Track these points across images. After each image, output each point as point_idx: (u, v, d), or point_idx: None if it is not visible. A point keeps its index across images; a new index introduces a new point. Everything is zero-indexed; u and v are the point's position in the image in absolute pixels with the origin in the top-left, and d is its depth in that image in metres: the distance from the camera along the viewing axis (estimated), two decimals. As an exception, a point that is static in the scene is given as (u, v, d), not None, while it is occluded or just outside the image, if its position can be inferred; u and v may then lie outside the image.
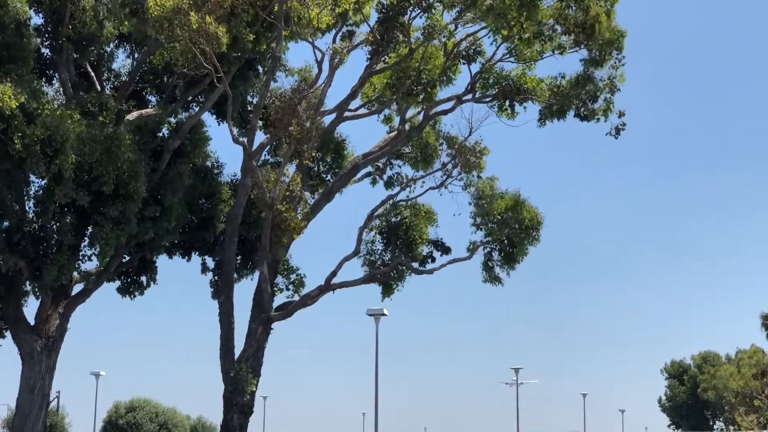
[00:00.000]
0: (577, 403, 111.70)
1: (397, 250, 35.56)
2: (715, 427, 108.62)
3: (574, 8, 32.10)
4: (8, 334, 32.41)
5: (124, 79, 34.51)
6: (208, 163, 36.34)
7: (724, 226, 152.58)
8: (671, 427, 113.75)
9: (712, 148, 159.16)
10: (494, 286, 35.73)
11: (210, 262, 37.31)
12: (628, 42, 32.80)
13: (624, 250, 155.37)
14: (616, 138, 33.77)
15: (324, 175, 37.61)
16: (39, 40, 30.82)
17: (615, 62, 33.29)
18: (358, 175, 36.43)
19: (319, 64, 32.18)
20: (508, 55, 33.62)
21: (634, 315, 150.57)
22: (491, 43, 33.44)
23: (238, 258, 36.07)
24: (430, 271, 35.72)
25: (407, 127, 35.46)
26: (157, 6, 27.71)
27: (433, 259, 36.28)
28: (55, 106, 28.47)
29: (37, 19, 30.75)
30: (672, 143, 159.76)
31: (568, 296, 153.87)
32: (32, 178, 30.55)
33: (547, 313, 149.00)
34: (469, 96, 34.55)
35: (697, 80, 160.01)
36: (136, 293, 35.83)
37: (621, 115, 33.79)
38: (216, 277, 36.65)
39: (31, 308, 32.59)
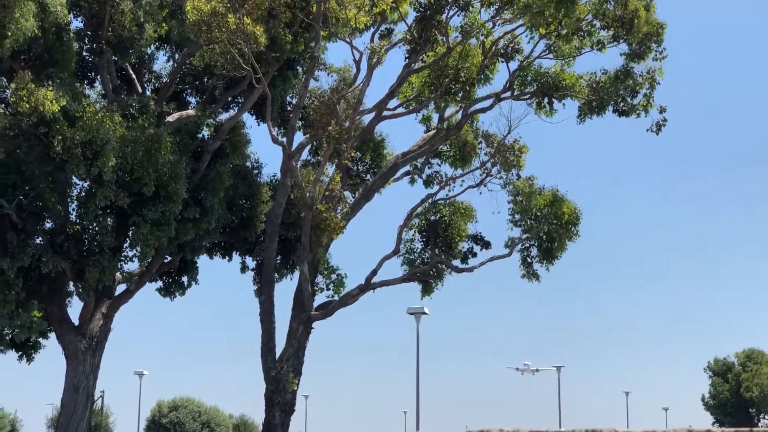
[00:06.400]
0: (620, 400, 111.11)
1: (437, 248, 35.51)
2: (760, 424, 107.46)
3: (612, 3, 31.91)
4: (53, 334, 32.78)
5: (164, 80, 34.77)
6: (248, 164, 36.53)
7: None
8: (715, 425, 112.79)
9: (753, 145, 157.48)
10: (533, 283, 35.57)
11: (250, 262, 37.53)
12: (671, 41, 32.46)
13: (667, 246, 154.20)
14: (657, 134, 33.53)
15: (363, 175, 37.65)
16: (79, 44, 31.13)
17: (656, 55, 33.05)
18: (397, 174, 36.42)
19: (357, 63, 32.23)
20: (546, 52, 33.47)
21: (677, 312, 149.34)
22: (529, 41, 33.36)
23: (279, 258, 36.22)
24: (470, 269, 35.60)
25: (446, 125, 35.42)
26: (195, 10, 27.90)
27: (474, 255, 36.13)
28: (97, 108, 28.76)
29: (77, 23, 31.09)
30: (713, 140, 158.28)
31: (610, 293, 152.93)
32: (74, 180, 30.88)
33: (588, 311, 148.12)
34: (508, 94, 34.42)
35: (741, 77, 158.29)
36: (178, 293, 36.13)
37: (662, 110, 33.47)
38: (257, 277, 36.82)
39: (75, 309, 33.01)
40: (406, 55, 33.24)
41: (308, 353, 33.52)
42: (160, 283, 35.98)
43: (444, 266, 35.34)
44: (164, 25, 31.17)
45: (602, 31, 32.59)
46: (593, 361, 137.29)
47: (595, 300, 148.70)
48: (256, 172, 36.74)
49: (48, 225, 30.91)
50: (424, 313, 40.69)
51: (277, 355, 32.87)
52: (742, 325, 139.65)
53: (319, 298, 34.89)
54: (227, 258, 37.39)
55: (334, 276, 36.03)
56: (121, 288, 33.80)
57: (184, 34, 30.55)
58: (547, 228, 34.43)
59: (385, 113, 35.07)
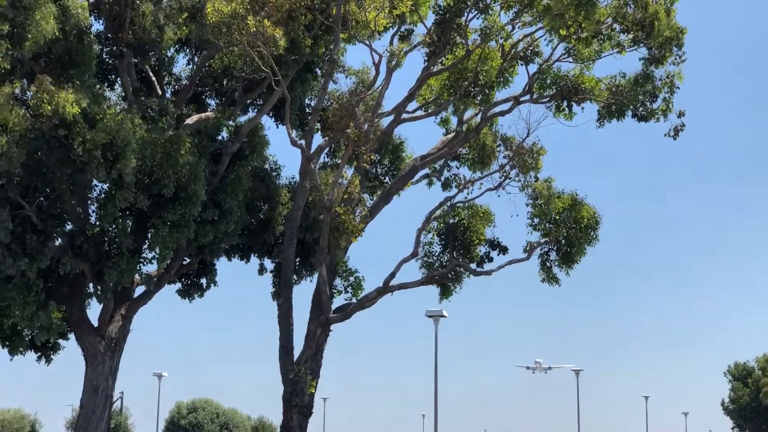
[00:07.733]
0: (639, 405, 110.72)
1: (455, 251, 35.45)
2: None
3: (632, 6, 31.81)
4: (72, 336, 32.91)
5: (184, 83, 34.85)
6: (267, 166, 36.56)
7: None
8: (734, 429, 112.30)
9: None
10: (553, 287, 35.48)
11: (269, 264, 37.56)
12: (691, 44, 32.31)
13: (686, 250, 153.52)
14: (675, 139, 33.42)
15: (382, 178, 37.64)
16: (100, 46, 31.23)
17: (675, 59, 32.93)
18: (416, 177, 36.38)
19: (377, 66, 32.25)
20: (566, 55, 33.41)
21: (696, 317, 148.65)
22: (548, 44, 33.29)
23: (297, 260, 36.24)
24: (489, 272, 35.51)
25: (464, 128, 35.37)
26: (215, 12, 27.97)
27: (491, 260, 36.09)
28: (117, 110, 28.87)
29: (98, 26, 31.19)
30: (731, 146, 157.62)
31: (629, 298, 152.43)
32: (94, 182, 30.99)
33: (607, 315, 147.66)
34: (527, 97, 34.37)
35: (753, 79, 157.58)
36: (196, 295, 36.20)
37: (681, 115, 33.38)
38: (275, 279, 36.85)
39: (94, 310, 33.12)
40: (425, 58, 33.24)
41: (326, 355, 33.57)
42: (178, 285, 36.07)
43: (462, 269, 35.27)
44: (184, 27, 31.23)
45: (622, 34, 32.50)
46: (612, 365, 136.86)
47: (614, 304, 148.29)
48: (274, 174, 36.78)
49: (68, 227, 31.01)
50: (443, 316, 40.55)
51: (295, 357, 32.89)
52: (762, 330, 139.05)
53: (338, 301, 34.96)
54: (246, 260, 37.44)
55: (352, 278, 36.06)
56: (140, 290, 33.93)
57: (204, 37, 30.63)
58: (566, 232, 34.35)
59: (404, 116, 35.06)
